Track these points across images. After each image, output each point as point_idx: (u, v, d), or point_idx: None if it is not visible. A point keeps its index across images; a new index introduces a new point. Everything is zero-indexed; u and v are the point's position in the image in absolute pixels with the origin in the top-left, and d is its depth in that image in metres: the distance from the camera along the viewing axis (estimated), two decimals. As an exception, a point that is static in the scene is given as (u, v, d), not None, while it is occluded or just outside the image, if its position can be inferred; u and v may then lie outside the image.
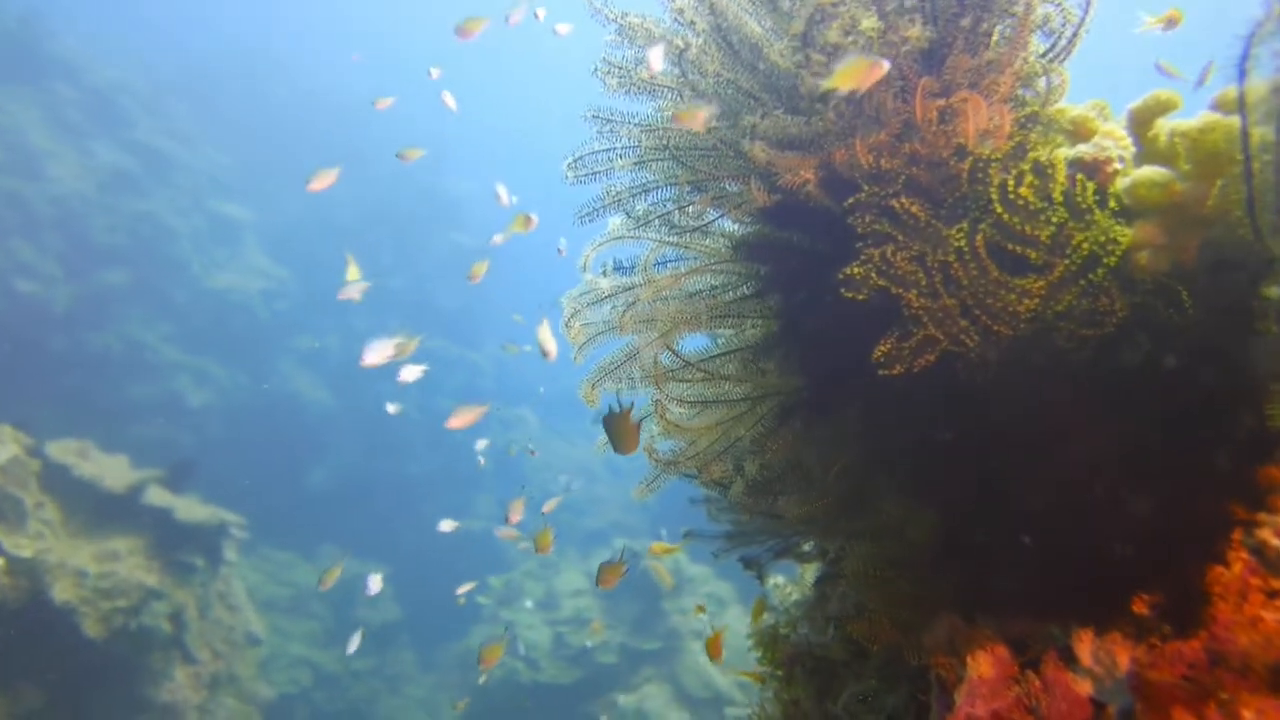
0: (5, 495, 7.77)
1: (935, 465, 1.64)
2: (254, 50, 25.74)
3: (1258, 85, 1.28)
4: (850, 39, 1.52)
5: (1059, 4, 1.62)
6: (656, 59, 1.68)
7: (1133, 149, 1.54)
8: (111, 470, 9.17)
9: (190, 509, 9.49)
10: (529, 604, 14.72)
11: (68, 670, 7.69)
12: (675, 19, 1.77)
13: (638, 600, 13.49)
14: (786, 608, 4.01)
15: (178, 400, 16.71)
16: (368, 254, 22.76)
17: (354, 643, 6.15)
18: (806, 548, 3.14)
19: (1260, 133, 1.25)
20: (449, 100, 6.47)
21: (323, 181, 5.69)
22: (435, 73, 6.73)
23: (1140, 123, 1.56)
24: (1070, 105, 1.65)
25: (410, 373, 5.72)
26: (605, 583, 4.06)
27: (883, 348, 1.55)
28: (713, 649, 4.60)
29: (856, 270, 1.53)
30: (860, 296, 1.53)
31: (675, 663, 13.57)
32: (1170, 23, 2.10)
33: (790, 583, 3.94)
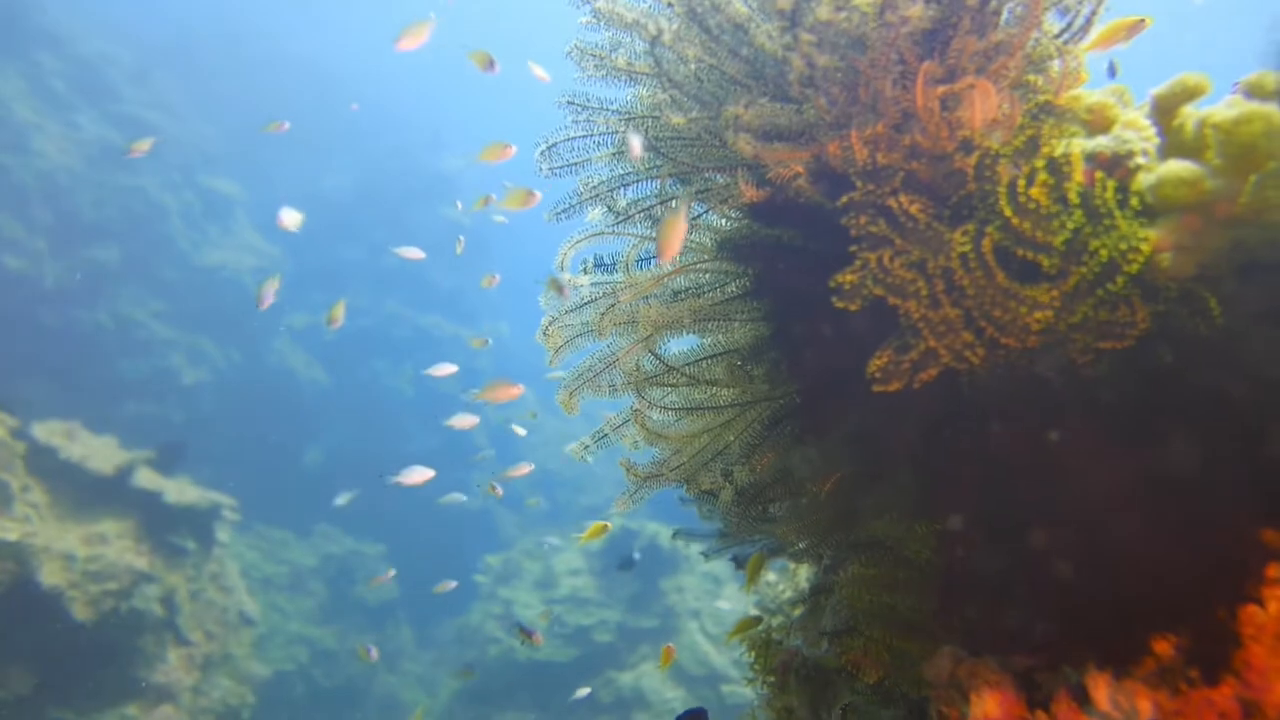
0: (-9, 479, 7.67)
1: (936, 486, 1.52)
2: (241, 23, 25.22)
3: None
4: (843, 16, 1.37)
5: (1076, -22, 1.46)
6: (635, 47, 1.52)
7: (1156, 140, 1.39)
8: (100, 452, 9.06)
9: (181, 491, 9.41)
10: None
11: (58, 654, 7.64)
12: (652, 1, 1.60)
13: (635, 579, 13.49)
14: (780, 605, 3.91)
15: (170, 378, 16.58)
16: (361, 230, 22.49)
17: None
18: (801, 546, 3.04)
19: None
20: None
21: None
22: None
23: (1165, 111, 1.41)
24: (1087, 91, 1.50)
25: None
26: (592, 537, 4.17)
27: (879, 361, 1.42)
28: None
29: (850, 277, 1.39)
30: (854, 306, 1.39)
31: (672, 641, 13.60)
32: None
33: (783, 579, 3.84)
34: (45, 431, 8.68)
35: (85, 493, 8.60)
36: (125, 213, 15.77)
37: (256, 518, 15.65)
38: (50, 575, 7.55)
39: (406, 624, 17.50)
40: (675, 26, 1.54)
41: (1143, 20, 1.76)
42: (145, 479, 9.11)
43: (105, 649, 8.10)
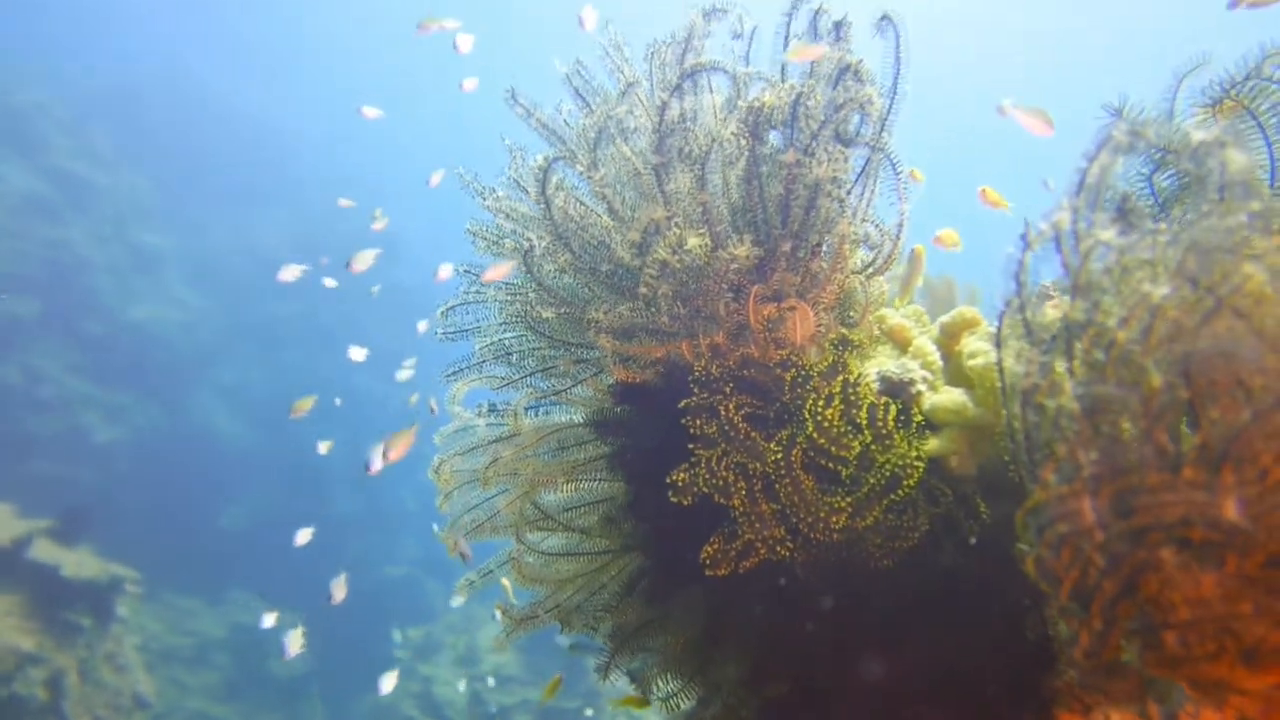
0: None
1: (763, 655, 1.70)
2: (183, 75, 25.15)
3: (1010, 348, 1.39)
4: (677, 258, 1.61)
5: (878, 224, 1.74)
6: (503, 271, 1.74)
7: (938, 365, 1.66)
8: (-6, 523, 8.63)
9: (80, 564, 8.98)
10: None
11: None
12: (533, 207, 1.83)
13: (558, 657, 13.25)
14: (679, 715, 4.03)
15: (82, 436, 15.86)
16: (298, 287, 22.18)
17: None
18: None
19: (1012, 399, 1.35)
20: (370, 113, 6.45)
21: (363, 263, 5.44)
22: (371, 113, 6.73)
23: (949, 335, 1.69)
24: (890, 312, 1.77)
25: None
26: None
27: (709, 548, 1.61)
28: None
29: (683, 476, 1.60)
30: (686, 502, 1.59)
31: (595, 722, 13.33)
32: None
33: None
34: (-66, 501, 8.24)
35: (-27, 567, 8.15)
36: (48, 265, 15.32)
37: (165, 584, 14.89)
38: (-75, 659, 7.07)
39: (319, 700, 16.68)
40: (545, 243, 1.77)
41: (951, 233, 2.08)
42: (42, 551, 8.68)
43: (-21, 739, 7.57)
